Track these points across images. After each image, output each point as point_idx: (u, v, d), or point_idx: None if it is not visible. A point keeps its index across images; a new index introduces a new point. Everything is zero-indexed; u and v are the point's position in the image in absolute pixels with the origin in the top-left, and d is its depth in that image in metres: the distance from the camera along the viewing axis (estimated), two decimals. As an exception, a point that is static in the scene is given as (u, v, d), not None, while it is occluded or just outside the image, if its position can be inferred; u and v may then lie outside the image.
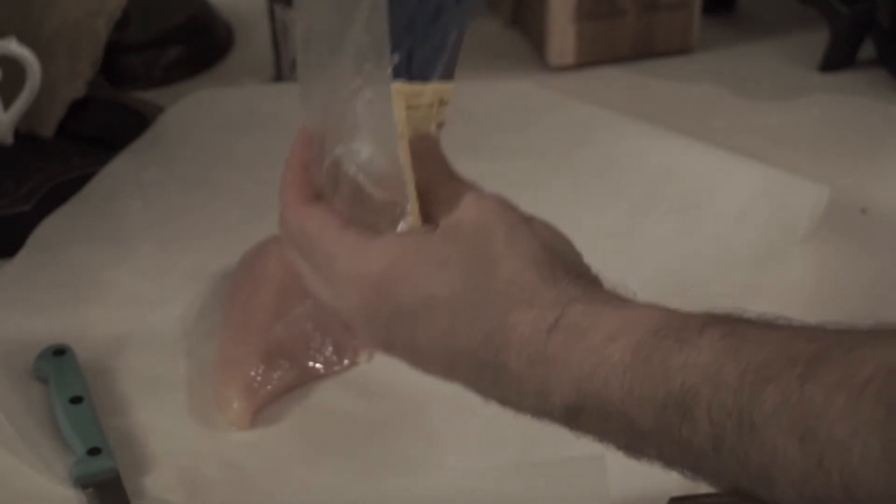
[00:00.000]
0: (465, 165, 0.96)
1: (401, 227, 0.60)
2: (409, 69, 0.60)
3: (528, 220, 0.57)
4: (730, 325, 0.51)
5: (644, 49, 1.06)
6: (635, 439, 0.52)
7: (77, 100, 0.94)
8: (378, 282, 0.56)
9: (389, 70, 0.58)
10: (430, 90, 0.61)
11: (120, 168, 0.91)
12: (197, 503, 0.65)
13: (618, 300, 0.55)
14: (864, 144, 0.96)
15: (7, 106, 0.91)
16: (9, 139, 0.93)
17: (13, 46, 0.89)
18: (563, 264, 0.56)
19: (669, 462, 0.52)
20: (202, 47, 1.06)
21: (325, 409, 0.72)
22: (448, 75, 0.63)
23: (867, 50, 1.05)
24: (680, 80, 1.05)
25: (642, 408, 0.51)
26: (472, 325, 0.55)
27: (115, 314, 0.79)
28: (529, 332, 0.54)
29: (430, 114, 0.62)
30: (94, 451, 0.66)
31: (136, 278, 0.82)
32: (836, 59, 1.05)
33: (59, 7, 0.94)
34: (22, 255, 0.83)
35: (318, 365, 0.74)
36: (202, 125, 0.96)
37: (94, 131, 0.95)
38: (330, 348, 0.74)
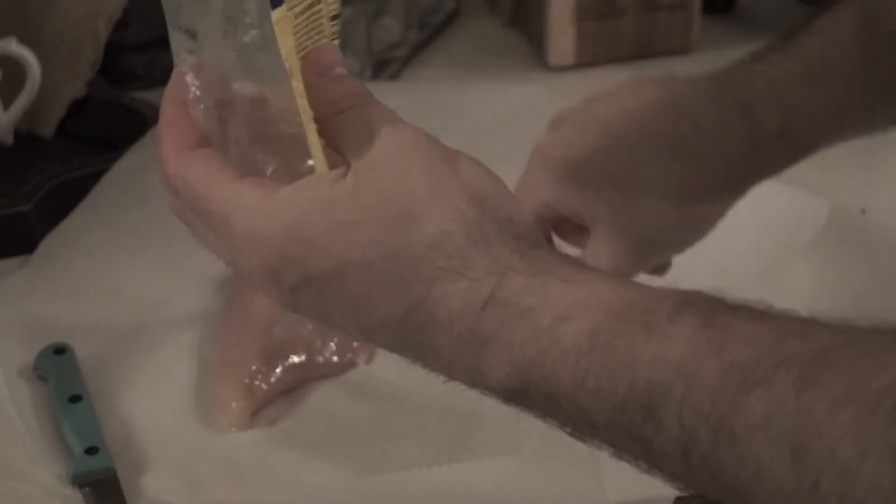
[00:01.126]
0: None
1: (308, 165, 0.51)
2: None
3: (453, 162, 0.50)
4: (706, 313, 0.45)
5: (644, 49, 1.07)
6: (585, 427, 0.46)
7: (77, 100, 0.95)
8: (280, 246, 0.49)
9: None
10: None
11: (124, 170, 0.91)
12: (194, 503, 0.65)
13: (564, 269, 0.48)
14: (864, 144, 0.96)
15: (7, 106, 0.92)
16: (9, 139, 0.93)
17: (13, 46, 0.90)
18: (496, 221, 0.49)
19: (621, 454, 0.47)
20: (202, 47, 1.06)
21: (323, 409, 0.72)
22: None
23: (867, 50, 1.05)
24: (680, 80, 1.05)
25: (598, 401, 0.45)
26: (390, 296, 0.48)
27: (116, 314, 0.79)
28: (460, 307, 0.47)
29: (318, 12, 0.52)
30: (91, 451, 0.66)
31: (137, 279, 0.82)
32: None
33: (59, 7, 0.94)
34: (31, 263, 0.83)
35: (317, 366, 0.74)
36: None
37: (94, 131, 0.95)
38: (329, 349, 0.74)
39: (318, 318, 0.51)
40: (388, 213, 0.48)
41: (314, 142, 0.51)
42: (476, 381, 0.48)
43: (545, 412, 0.48)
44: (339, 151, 0.51)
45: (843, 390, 0.40)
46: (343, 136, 0.51)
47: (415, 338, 0.49)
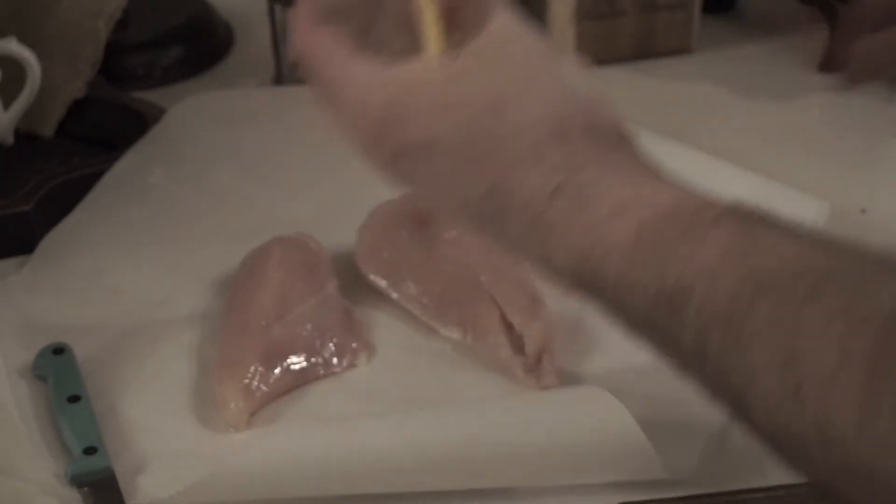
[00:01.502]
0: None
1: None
2: None
3: (556, 59, 0.53)
4: (746, 223, 0.46)
5: (644, 49, 1.06)
6: (632, 323, 0.48)
7: (77, 100, 0.95)
8: (379, 118, 0.53)
9: None
10: None
11: (124, 169, 0.91)
12: (192, 503, 0.65)
13: (633, 170, 0.50)
14: (864, 144, 0.96)
15: (7, 106, 0.92)
16: (9, 139, 0.93)
17: (13, 46, 0.90)
18: (581, 118, 0.51)
19: (664, 356, 0.48)
20: (202, 47, 1.06)
21: (322, 410, 0.72)
22: None
23: (867, 50, 1.05)
24: (679, 80, 1.04)
25: (633, 295, 0.47)
26: (473, 176, 0.51)
27: (116, 314, 0.79)
28: (531, 194, 0.50)
29: None
30: (90, 451, 0.66)
31: (137, 279, 0.82)
32: (836, 60, 1.05)
33: (59, 7, 0.94)
34: (30, 262, 0.83)
35: (316, 366, 0.74)
36: (206, 127, 0.96)
37: (94, 131, 0.95)
38: (329, 350, 0.74)
39: (414, 190, 0.55)
40: (480, 99, 0.51)
41: (430, 25, 0.55)
42: (546, 263, 0.51)
43: (600, 305, 0.49)
44: (462, 30, 0.54)
45: (843, 303, 0.42)
46: (463, 25, 0.54)
47: (493, 219, 0.51)
